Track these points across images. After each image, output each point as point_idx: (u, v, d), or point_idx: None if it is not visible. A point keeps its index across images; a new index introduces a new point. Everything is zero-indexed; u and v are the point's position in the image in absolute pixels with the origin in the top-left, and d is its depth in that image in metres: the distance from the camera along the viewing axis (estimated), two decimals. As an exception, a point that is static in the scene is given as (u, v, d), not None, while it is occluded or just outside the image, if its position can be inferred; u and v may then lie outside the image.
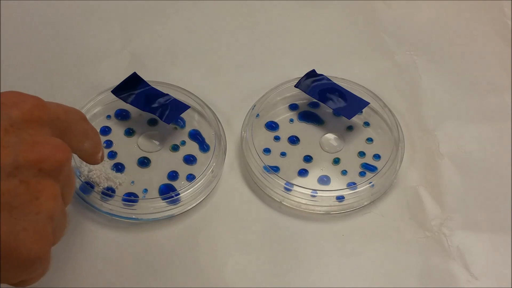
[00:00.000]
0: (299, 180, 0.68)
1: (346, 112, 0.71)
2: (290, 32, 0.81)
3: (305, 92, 0.72)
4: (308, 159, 0.70)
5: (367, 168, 0.69)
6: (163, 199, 0.65)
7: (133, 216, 0.65)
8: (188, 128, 0.71)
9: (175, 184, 0.67)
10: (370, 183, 0.67)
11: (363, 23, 0.82)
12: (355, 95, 0.72)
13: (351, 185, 0.67)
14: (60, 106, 0.55)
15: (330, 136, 0.71)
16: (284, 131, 0.72)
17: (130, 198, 0.65)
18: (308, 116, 0.73)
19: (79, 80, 0.75)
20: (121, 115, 0.72)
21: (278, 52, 0.79)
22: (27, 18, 0.80)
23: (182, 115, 0.71)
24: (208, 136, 0.70)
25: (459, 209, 0.67)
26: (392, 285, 0.63)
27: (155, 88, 0.71)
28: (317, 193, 0.66)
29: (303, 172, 0.69)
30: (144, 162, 0.68)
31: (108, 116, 0.71)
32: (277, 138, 0.71)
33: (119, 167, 0.68)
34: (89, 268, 0.63)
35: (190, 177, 0.68)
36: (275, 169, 0.68)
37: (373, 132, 0.72)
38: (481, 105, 0.75)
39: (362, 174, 0.69)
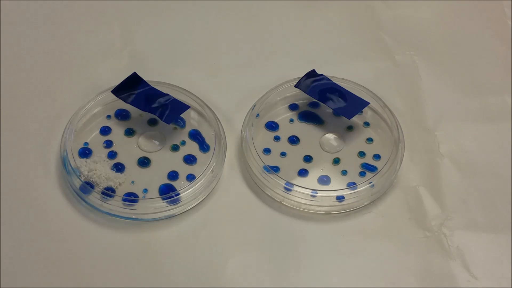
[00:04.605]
0: (299, 180, 0.68)
1: (346, 112, 0.71)
2: (290, 32, 0.81)
3: (305, 92, 0.72)
4: (308, 159, 0.70)
5: (367, 168, 0.69)
6: (163, 199, 0.65)
7: (133, 216, 0.65)
8: (188, 128, 0.71)
9: (175, 184, 0.67)
10: (370, 183, 0.67)
11: (363, 23, 0.82)
12: (355, 95, 0.72)
13: (351, 185, 0.67)
14: None
15: (330, 136, 0.71)
16: (284, 131, 0.72)
17: (130, 198, 0.65)
18: (308, 116, 0.73)
19: (79, 80, 0.75)
20: (121, 115, 0.72)
21: (278, 52, 0.79)
22: (27, 18, 0.80)
23: (182, 115, 0.71)
24: (208, 136, 0.70)
25: (459, 209, 0.67)
26: (392, 285, 0.63)
27: (155, 88, 0.71)
28: (317, 193, 0.66)
29: (303, 172, 0.69)
30: (144, 162, 0.68)
31: (108, 116, 0.71)
32: (277, 138, 0.71)
33: (119, 167, 0.68)
34: (89, 268, 0.63)
35: (190, 177, 0.68)
36: (275, 169, 0.68)
37: (373, 132, 0.72)
38: (481, 105, 0.75)
39: (362, 174, 0.68)
